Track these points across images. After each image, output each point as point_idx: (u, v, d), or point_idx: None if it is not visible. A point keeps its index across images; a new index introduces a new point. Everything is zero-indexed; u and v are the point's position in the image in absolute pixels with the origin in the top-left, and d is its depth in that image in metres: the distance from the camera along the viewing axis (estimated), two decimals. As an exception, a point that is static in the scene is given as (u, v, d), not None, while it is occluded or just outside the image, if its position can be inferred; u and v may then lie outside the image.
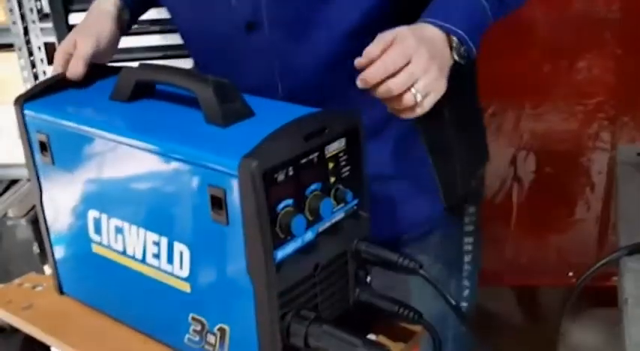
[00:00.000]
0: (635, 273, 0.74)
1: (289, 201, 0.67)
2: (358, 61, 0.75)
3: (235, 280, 0.67)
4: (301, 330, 0.67)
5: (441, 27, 0.79)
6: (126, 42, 0.99)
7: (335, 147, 0.72)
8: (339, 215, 0.73)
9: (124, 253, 0.77)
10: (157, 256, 0.74)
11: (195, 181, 0.67)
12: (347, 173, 0.74)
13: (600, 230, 1.84)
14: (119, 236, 0.77)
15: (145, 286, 0.76)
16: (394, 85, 0.74)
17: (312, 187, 0.69)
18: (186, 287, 0.72)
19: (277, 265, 0.66)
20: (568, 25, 1.58)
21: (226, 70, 0.83)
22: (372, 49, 0.74)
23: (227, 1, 0.88)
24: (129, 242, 0.76)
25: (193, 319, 0.73)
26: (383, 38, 0.75)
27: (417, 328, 0.78)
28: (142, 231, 0.74)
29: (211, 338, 0.72)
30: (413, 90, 0.74)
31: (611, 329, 0.69)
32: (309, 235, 0.70)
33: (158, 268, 0.74)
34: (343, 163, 0.73)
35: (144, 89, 0.79)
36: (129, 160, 0.73)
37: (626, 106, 1.64)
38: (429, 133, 0.95)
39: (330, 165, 0.71)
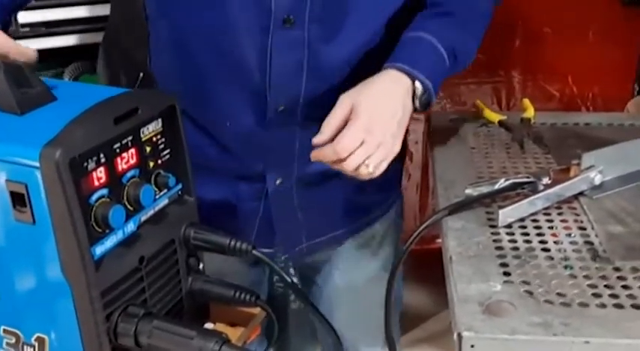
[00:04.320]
0: (456, 231, 0.77)
1: (104, 191, 0.61)
2: (314, 141, 0.77)
3: (50, 284, 0.60)
4: (130, 329, 0.62)
5: (408, 74, 0.80)
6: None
7: (151, 129, 0.66)
8: (163, 202, 0.69)
9: None
10: (-47, 267, 0.64)
11: (-10, 178, 0.59)
12: (167, 157, 0.69)
13: (421, 196, 1.93)
14: None
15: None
16: (347, 166, 0.77)
17: (129, 174, 0.64)
18: (-7, 298, 0.64)
19: (96, 263, 0.60)
20: None
21: (237, 70, 0.82)
22: (326, 129, 0.77)
23: None
24: None
25: (5, 331, 0.65)
26: (340, 109, 0.77)
27: (257, 310, 0.76)
28: None
29: (29, 350, 0.65)
30: (366, 163, 0.77)
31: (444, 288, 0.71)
32: (130, 227, 0.64)
33: (-43, 280, 0.65)
34: (162, 146, 0.68)
35: None
36: None
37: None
38: None
39: (148, 149, 0.66)
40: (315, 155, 0.78)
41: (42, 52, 1.25)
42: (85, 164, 0.59)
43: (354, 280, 1.07)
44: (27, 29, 1.23)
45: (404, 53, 0.83)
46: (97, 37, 1.06)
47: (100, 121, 0.60)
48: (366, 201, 1.00)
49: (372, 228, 1.04)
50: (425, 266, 1.21)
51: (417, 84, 0.81)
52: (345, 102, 0.78)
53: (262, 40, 0.81)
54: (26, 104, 0.63)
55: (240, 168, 0.92)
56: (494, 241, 0.76)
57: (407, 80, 0.81)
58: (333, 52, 0.84)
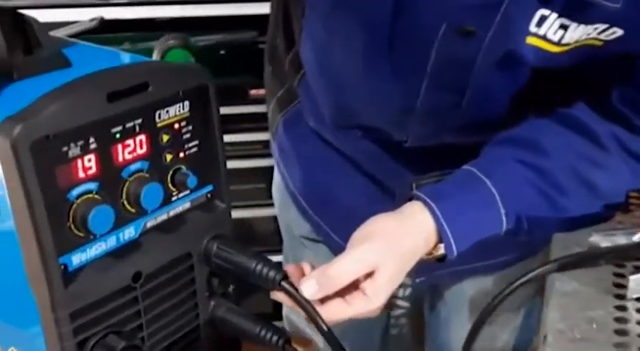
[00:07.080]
0: (562, 297, 0.56)
1: (91, 185, 0.48)
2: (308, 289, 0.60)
3: (19, 295, 0.48)
4: (103, 366, 0.49)
5: (441, 228, 0.63)
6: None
7: (173, 113, 0.53)
8: (181, 206, 0.55)
9: None
10: None
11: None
12: (194, 150, 0.55)
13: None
14: None
15: None
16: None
17: (134, 167, 0.51)
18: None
19: (69, 276, 0.48)
20: None
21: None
22: (328, 285, 0.60)
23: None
24: None
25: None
26: (362, 268, 0.60)
27: (295, 352, 0.61)
28: None
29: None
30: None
31: None
32: (129, 233, 0.51)
33: None
34: (187, 136, 0.54)
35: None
36: None
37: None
38: None
39: (165, 137, 0.53)
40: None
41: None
42: (65, 148, 0.46)
43: (475, 299, 0.92)
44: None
45: (451, 200, 0.65)
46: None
47: (90, 96, 0.47)
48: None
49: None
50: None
51: (441, 246, 0.64)
52: (369, 261, 0.61)
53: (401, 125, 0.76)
54: (24, 68, 0.51)
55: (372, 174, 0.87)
56: (617, 319, 0.54)
57: (433, 229, 0.63)
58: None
